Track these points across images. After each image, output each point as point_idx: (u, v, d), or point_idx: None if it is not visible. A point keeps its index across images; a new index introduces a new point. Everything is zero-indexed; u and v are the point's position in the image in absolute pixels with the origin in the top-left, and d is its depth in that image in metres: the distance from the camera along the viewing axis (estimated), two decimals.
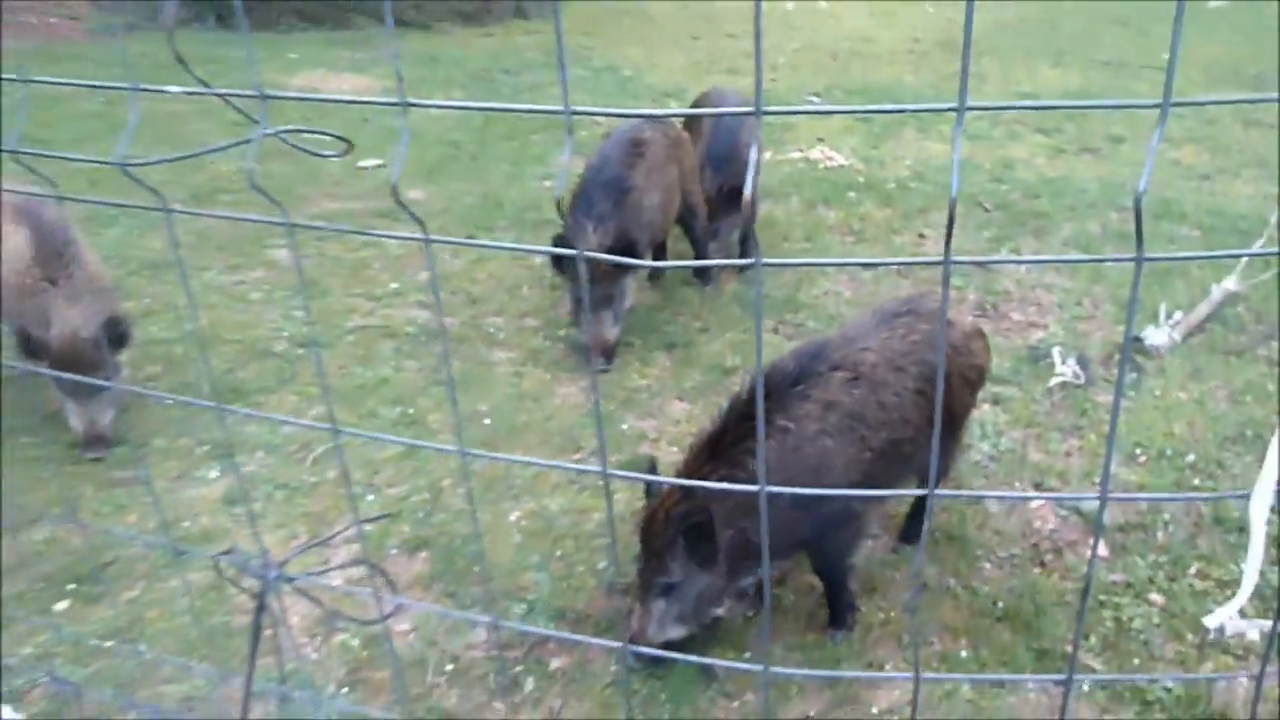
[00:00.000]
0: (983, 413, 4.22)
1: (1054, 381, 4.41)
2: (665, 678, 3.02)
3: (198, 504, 3.70)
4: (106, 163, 1.07)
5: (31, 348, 4.14)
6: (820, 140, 7.91)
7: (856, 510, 3.05)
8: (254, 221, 1.28)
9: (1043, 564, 3.41)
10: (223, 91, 1.08)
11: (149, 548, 3.43)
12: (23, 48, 11.13)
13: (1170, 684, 2.87)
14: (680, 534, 2.79)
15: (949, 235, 0.86)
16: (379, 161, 7.52)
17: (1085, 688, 2.90)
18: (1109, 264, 5.54)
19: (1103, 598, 3.22)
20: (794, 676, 2.94)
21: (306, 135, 1.20)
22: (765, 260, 0.95)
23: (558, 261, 4.72)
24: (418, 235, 1.14)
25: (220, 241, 5.92)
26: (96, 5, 12.24)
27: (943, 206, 6.52)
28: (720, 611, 3.02)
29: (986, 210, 6.51)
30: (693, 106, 5.59)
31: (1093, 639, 3.07)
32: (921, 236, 6.11)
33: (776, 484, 2.84)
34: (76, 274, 3.99)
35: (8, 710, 1.60)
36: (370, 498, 3.75)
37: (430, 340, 4.88)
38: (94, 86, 1.20)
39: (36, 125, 8.07)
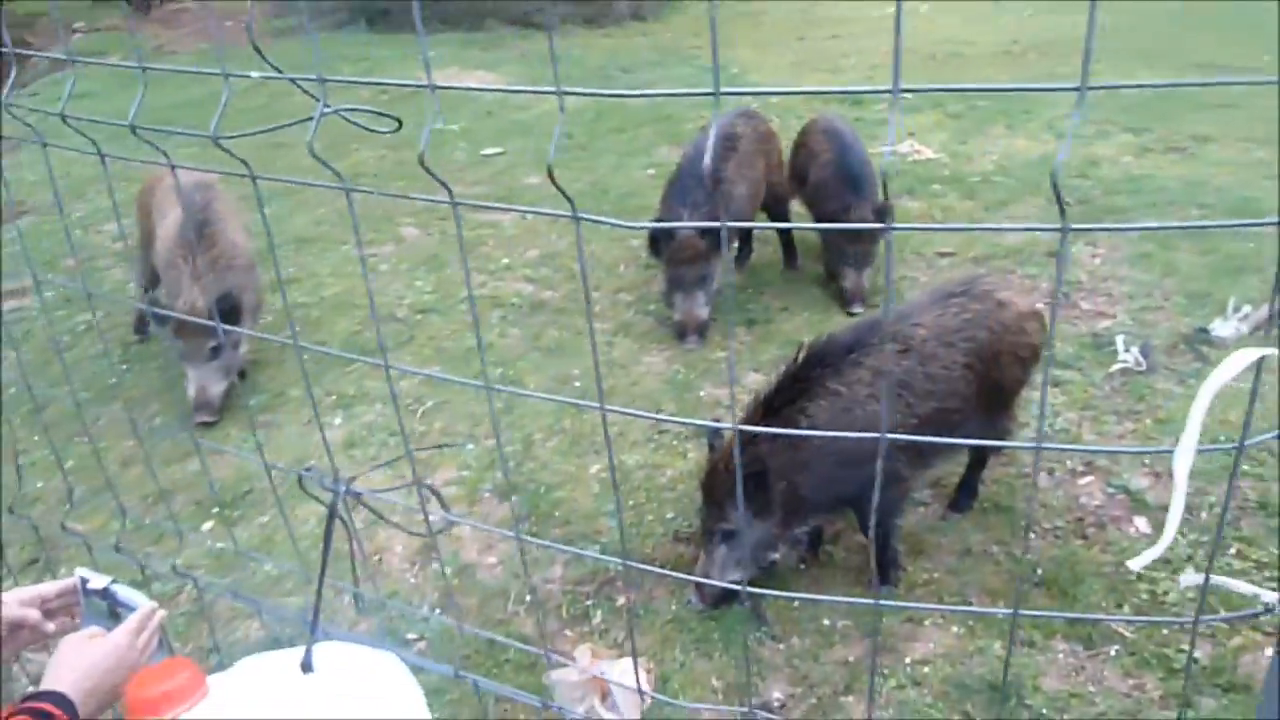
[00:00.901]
0: (1039, 395, 4.12)
1: (1115, 367, 4.28)
2: (720, 619, 3.09)
3: (322, 446, 3.94)
4: (197, 134, 1.20)
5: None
6: (910, 134, 7.75)
7: (903, 474, 3.06)
8: (421, 200, 1.39)
9: (1085, 537, 3.34)
10: (288, 76, 1.18)
11: (280, 479, 3.66)
12: (201, 47, 11.79)
13: (1198, 655, 2.80)
14: (746, 482, 2.85)
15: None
16: (500, 149, 7.72)
17: (1113, 652, 2.86)
18: (1182, 259, 5.32)
19: (1141, 571, 3.15)
20: (903, 609, 3.02)
21: (366, 114, 1.29)
22: (895, 226, 0.98)
23: (653, 245, 4.76)
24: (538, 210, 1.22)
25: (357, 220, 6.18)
26: (273, 6, 12.85)
27: (1023, 200, 6.35)
28: (775, 556, 3.10)
29: (1067, 204, 6.29)
30: (802, 136, 5.46)
31: (1126, 608, 3.01)
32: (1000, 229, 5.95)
33: (827, 441, 2.92)
34: (208, 252, 4.21)
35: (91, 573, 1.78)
36: (470, 447, 3.92)
37: (532, 310, 5.03)
38: (192, 72, 1.32)
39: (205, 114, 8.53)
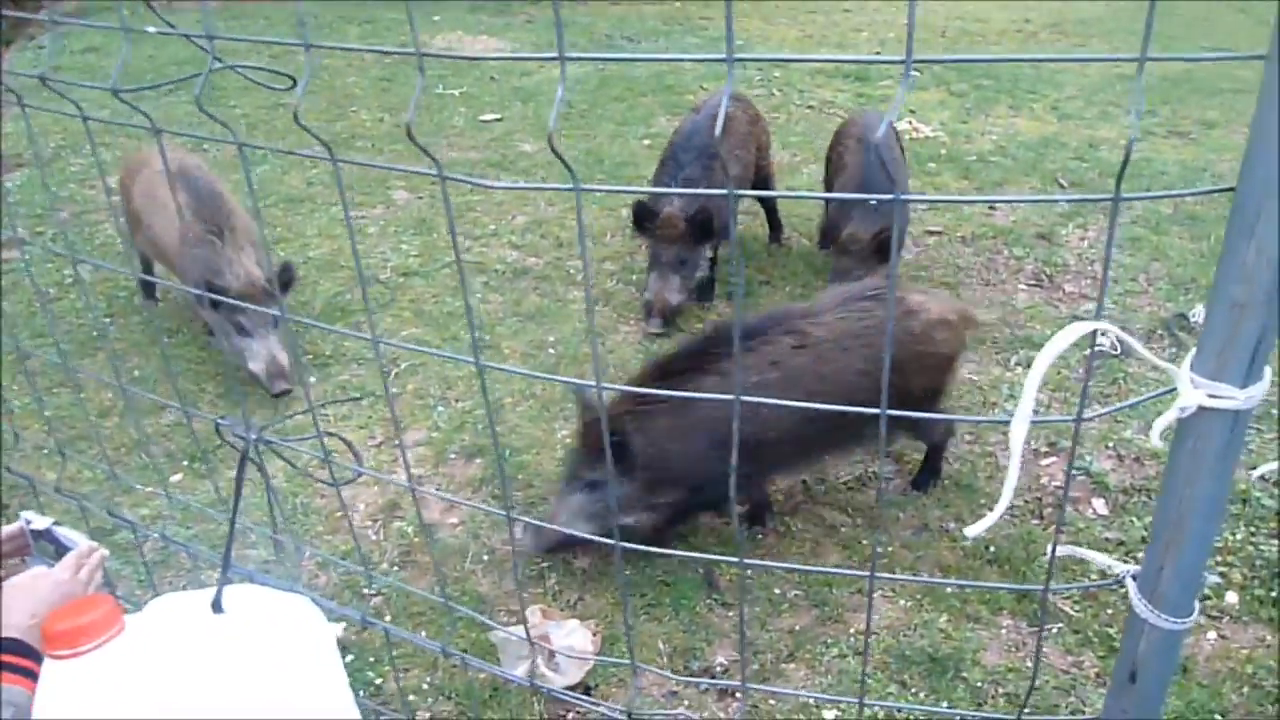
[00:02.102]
0: (1014, 374, 4.14)
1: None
2: (672, 584, 3.14)
3: (295, 404, 3.99)
4: (98, 87, 1.22)
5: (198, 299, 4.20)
6: (912, 112, 7.70)
7: (767, 459, 3.07)
8: (409, 171, 1.41)
9: (1041, 516, 3.37)
10: (181, 32, 1.20)
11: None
12: (208, 6, 11.71)
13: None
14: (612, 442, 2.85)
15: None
16: (498, 116, 7.71)
17: (1056, 630, 2.89)
18: (1172, 244, 5.30)
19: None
20: (771, 569, 3.05)
21: (263, 71, 1.31)
22: (903, 196, 1.00)
23: (638, 221, 4.59)
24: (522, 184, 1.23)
25: (349, 181, 6.22)
26: None
27: (1019, 180, 6.32)
28: (629, 521, 3.04)
29: (1062, 186, 6.27)
30: (838, 135, 5.03)
31: (1074, 590, 3.04)
32: (992, 209, 5.93)
33: (710, 421, 2.91)
34: (236, 225, 4.17)
35: (35, 515, 1.83)
36: (440, 409, 3.97)
37: (515, 276, 5.06)
38: (94, 26, 1.34)
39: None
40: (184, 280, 4.14)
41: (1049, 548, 1.21)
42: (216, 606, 1.51)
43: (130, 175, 4.53)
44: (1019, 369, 4.20)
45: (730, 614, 3.04)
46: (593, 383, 1.18)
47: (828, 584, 3.11)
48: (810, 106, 7.94)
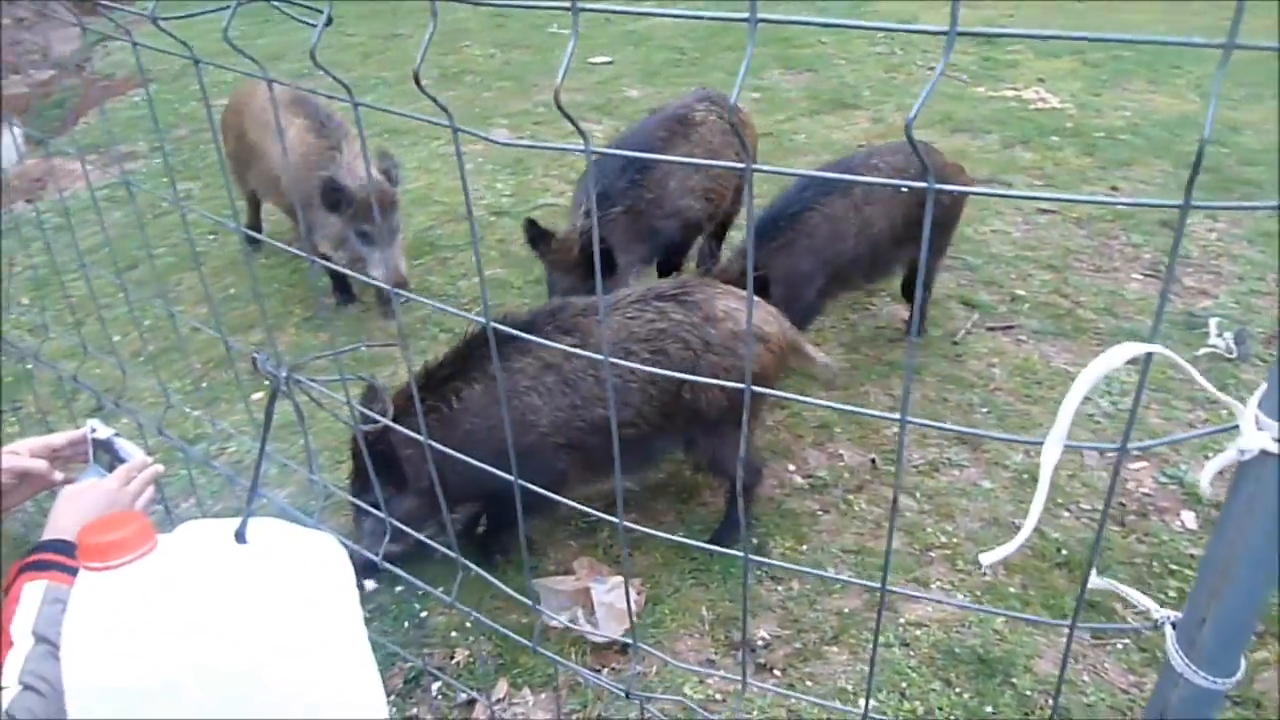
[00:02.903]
0: (1113, 370, 3.89)
1: (1202, 351, 4.00)
2: (722, 552, 3.09)
3: (377, 333, 4.06)
4: (137, 13, 1.20)
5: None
6: (1040, 80, 7.29)
7: (559, 471, 2.83)
8: (420, 120, 1.37)
9: (1123, 523, 3.17)
10: None
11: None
12: None
13: None
14: (375, 460, 2.53)
15: None
16: (609, 59, 7.60)
17: (1121, 645, 2.73)
18: None
19: (1174, 567, 2.98)
20: (772, 566, 2.94)
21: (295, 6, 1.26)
22: (757, 167, 0.92)
23: (532, 241, 3.71)
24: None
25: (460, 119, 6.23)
26: None
27: (1148, 162, 5.91)
28: (424, 536, 2.87)
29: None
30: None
31: (1105, 630, 2.86)
32: (1114, 189, 5.57)
33: (478, 427, 2.69)
34: (354, 140, 4.21)
35: (100, 425, 1.88)
36: None
37: None
38: None
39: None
40: (302, 198, 4.12)
41: (1084, 577, 1.10)
42: (240, 537, 1.53)
43: (239, 108, 4.52)
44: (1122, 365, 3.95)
45: (779, 587, 2.97)
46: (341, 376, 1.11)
47: (881, 567, 3.00)
48: (931, 68, 7.59)
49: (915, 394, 3.79)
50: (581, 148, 0.97)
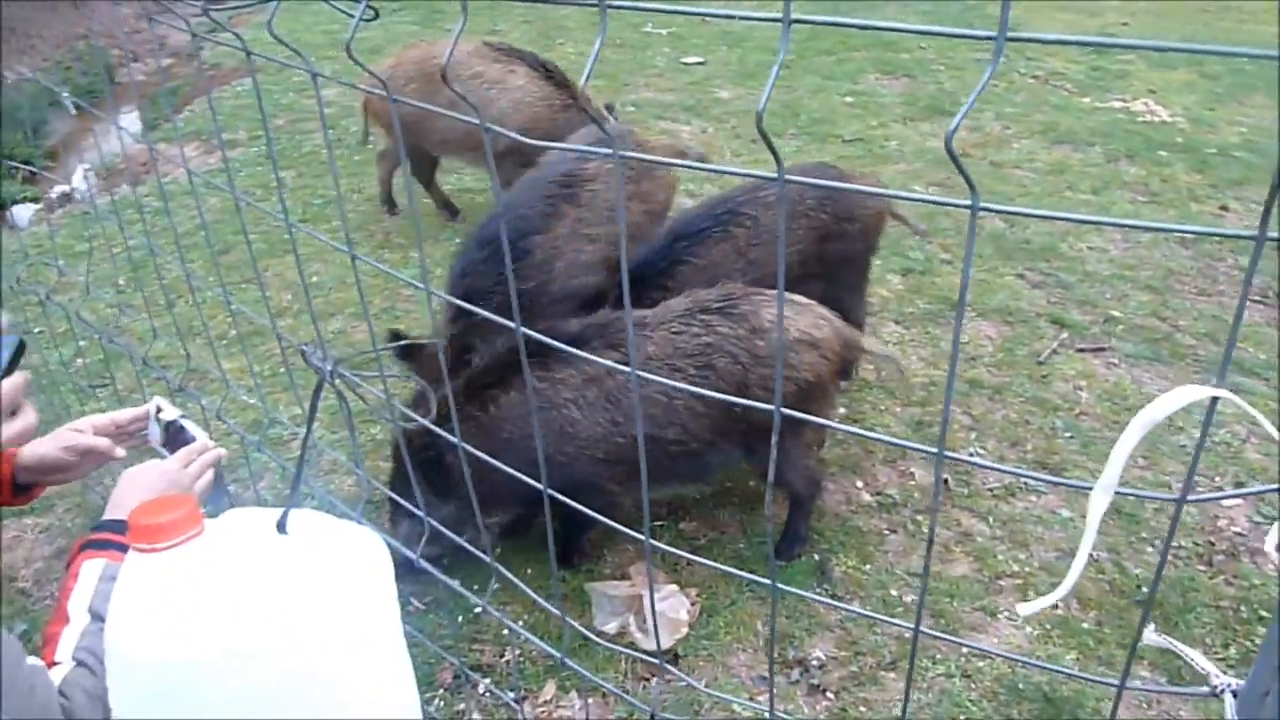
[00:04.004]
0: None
1: None
2: (784, 566, 3.02)
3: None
4: (196, 4, 1.21)
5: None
6: (1151, 92, 6.96)
7: (608, 488, 2.76)
8: (455, 118, 1.37)
9: (1210, 563, 2.99)
10: None
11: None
12: None
13: None
14: (417, 465, 2.49)
15: None
16: (701, 59, 7.55)
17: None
18: None
19: (1264, 613, 2.79)
20: (804, 597, 2.85)
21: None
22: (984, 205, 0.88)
23: (402, 356, 3.11)
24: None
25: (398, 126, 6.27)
26: None
27: (1264, 181, 5.58)
28: (463, 540, 2.80)
29: None
30: None
31: (1232, 650, 2.69)
32: (1223, 209, 5.28)
33: (516, 437, 2.63)
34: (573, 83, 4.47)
35: (166, 405, 1.92)
36: None
37: None
38: None
39: None
40: (544, 135, 4.30)
41: (1136, 634, 1.02)
42: (280, 528, 1.54)
43: (423, 70, 4.49)
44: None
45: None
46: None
47: (950, 595, 2.89)
48: (1035, 77, 7.33)
49: (996, 415, 3.65)
50: (609, 151, 0.93)
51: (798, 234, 3.36)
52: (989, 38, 0.71)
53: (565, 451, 2.67)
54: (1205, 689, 0.98)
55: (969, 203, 0.77)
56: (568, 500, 1.36)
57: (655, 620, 1.39)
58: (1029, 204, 5.27)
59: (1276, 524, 0.79)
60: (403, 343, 2.98)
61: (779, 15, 0.77)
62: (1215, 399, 0.79)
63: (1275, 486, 0.86)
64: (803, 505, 3.04)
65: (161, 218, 4.91)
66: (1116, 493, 0.87)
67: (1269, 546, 0.84)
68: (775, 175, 0.84)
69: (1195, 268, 4.65)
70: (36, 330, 3.88)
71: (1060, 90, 6.98)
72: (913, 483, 3.33)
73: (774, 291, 2.93)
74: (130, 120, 7.01)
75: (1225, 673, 1.05)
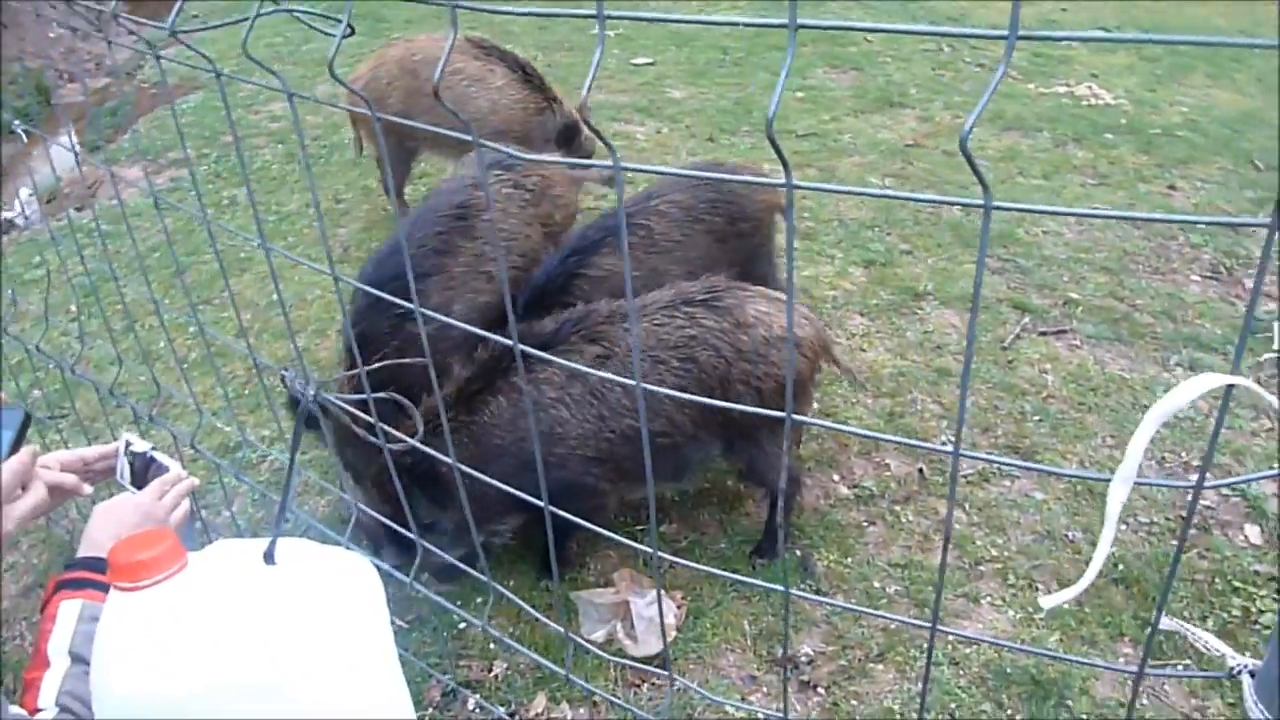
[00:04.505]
0: (1172, 376, 3.76)
1: (1265, 357, 3.84)
2: (766, 565, 3.01)
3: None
4: (158, 26, 1.17)
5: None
6: (1094, 76, 7.09)
7: (598, 487, 2.76)
8: (441, 133, 1.33)
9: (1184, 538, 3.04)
10: None
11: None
12: None
13: None
14: (413, 481, 2.53)
15: None
16: (651, 60, 7.55)
17: (1182, 667, 2.61)
18: None
19: (1238, 585, 2.85)
20: (806, 599, 2.86)
21: (316, 16, 1.22)
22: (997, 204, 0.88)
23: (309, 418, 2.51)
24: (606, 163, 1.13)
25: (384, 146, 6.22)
26: None
27: (1208, 160, 5.72)
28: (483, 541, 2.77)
29: (1258, 169, 5.64)
30: None
31: (1210, 622, 2.74)
32: (1171, 189, 5.39)
33: (508, 441, 2.62)
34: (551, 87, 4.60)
35: (135, 438, 1.86)
36: None
37: None
38: None
39: (382, 7, 8.72)
40: (519, 135, 4.42)
41: (1154, 621, 1.02)
42: (269, 558, 1.50)
43: (406, 67, 4.53)
44: (1179, 370, 3.81)
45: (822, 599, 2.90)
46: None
47: (931, 583, 2.91)
48: (981, 65, 7.43)
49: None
50: (609, 164, 0.91)
51: (695, 239, 3.37)
52: (1000, 36, 0.70)
53: (555, 453, 2.64)
54: (1221, 673, 0.98)
55: (982, 202, 0.76)
56: (557, 507, 1.34)
57: (661, 618, 1.38)
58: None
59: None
60: (386, 363, 2.86)
61: (785, 21, 0.76)
62: (1231, 386, 0.80)
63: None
64: (785, 504, 3.03)
65: (113, 241, 4.79)
66: (1136, 483, 0.87)
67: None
68: (783, 182, 0.82)
69: (1149, 248, 4.74)
70: None
71: (1006, 78, 7.08)
72: (889, 473, 3.35)
73: (757, 286, 2.93)
74: (69, 142, 6.83)
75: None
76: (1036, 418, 3.57)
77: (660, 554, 1.18)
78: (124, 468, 1.94)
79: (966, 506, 3.19)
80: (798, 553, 3.05)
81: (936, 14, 8.83)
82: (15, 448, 1.41)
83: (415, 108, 4.48)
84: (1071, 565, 2.96)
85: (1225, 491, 3.21)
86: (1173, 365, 3.84)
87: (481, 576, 1.46)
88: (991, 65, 7.32)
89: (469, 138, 0.95)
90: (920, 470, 3.36)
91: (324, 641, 1.51)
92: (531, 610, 1.52)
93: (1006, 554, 3.02)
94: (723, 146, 5.95)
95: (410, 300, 2.50)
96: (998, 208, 0.76)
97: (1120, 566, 2.93)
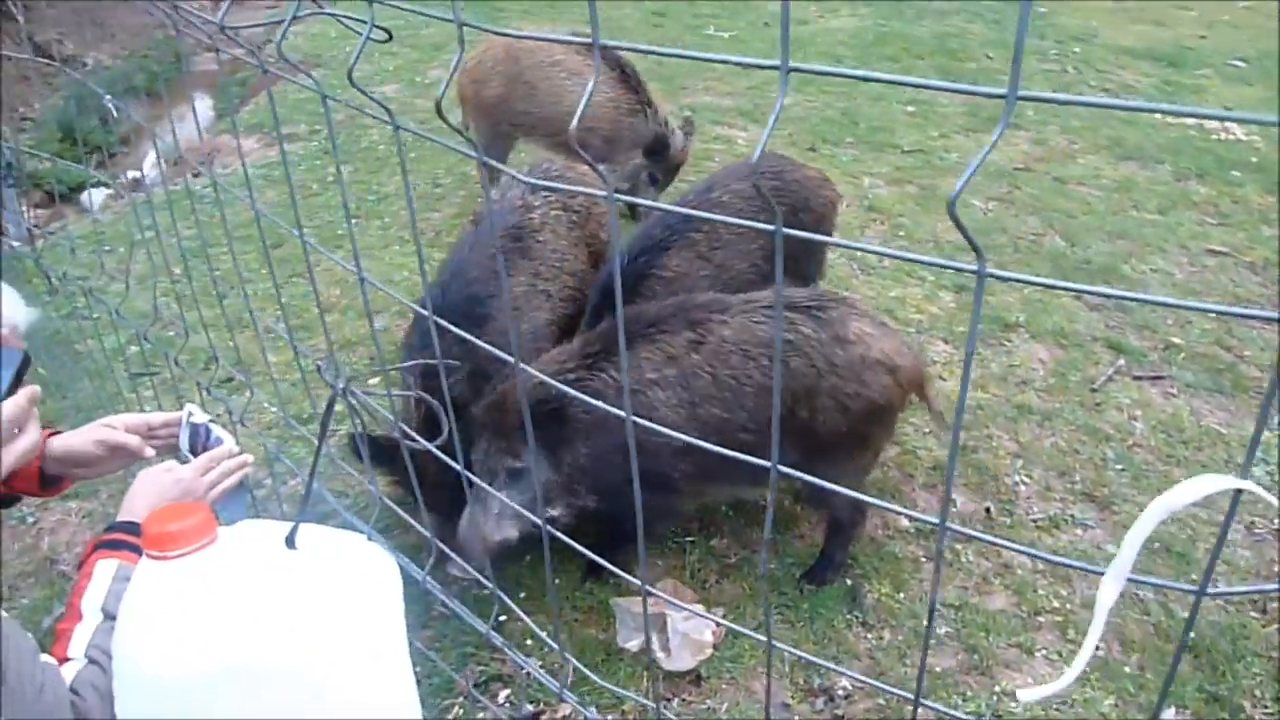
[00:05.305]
0: (1276, 435, 3.53)
1: None
2: (817, 591, 2.95)
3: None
4: (207, 20, 1.20)
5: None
6: (1226, 108, 6.70)
7: (676, 484, 2.70)
8: (446, 146, 1.34)
9: (1264, 610, 2.85)
10: None
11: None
12: None
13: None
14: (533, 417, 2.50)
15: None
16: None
17: None
18: None
19: None
20: (792, 653, 2.79)
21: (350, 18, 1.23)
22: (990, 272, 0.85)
23: (376, 458, 2.50)
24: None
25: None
26: None
27: None
28: (554, 513, 2.68)
29: None
30: None
31: (1266, 695, 2.56)
32: None
33: (610, 420, 2.45)
34: (650, 92, 4.68)
35: (197, 410, 1.92)
36: None
37: None
38: None
39: None
40: (608, 136, 4.56)
41: (1157, 709, 0.95)
42: (290, 542, 1.53)
43: (513, 55, 4.67)
44: None
45: (868, 635, 2.82)
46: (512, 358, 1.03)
47: (986, 629, 2.80)
48: (1105, 89, 7.11)
49: (1045, 442, 3.53)
50: (602, 192, 0.89)
51: (755, 233, 3.29)
52: (999, 96, 0.65)
53: (649, 443, 2.64)
54: None
55: (975, 267, 0.71)
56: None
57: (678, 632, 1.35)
58: (1092, 222, 5.11)
59: None
60: (416, 363, 2.86)
61: (778, 63, 0.73)
62: (1239, 491, 0.73)
63: None
64: (843, 531, 2.97)
65: (216, 209, 4.98)
66: (1129, 579, 0.80)
67: None
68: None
69: (1264, 295, 4.46)
70: (94, 316, 3.97)
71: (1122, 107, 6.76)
72: (954, 509, 3.24)
73: (864, 308, 2.88)
74: (202, 109, 7.16)
75: None
76: (1119, 466, 3.40)
77: (777, 643, 1.15)
78: (185, 438, 2.01)
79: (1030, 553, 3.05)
80: (849, 582, 2.98)
81: (1064, 31, 8.48)
82: (14, 389, 1.46)
83: (513, 93, 4.57)
84: (1137, 626, 2.81)
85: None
86: (1276, 425, 3.60)
87: (488, 583, 1.46)
88: (1115, 90, 7.01)
89: (603, 190, 0.94)
90: (987, 509, 3.24)
91: (337, 626, 1.54)
92: (533, 626, 1.51)
93: (1069, 606, 2.88)
94: (823, 156, 5.84)
95: (474, 325, 2.47)
96: (991, 275, 0.71)
97: (1192, 634, 2.76)
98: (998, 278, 0.72)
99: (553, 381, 1.21)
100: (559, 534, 1.32)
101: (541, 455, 2.61)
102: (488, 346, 1.27)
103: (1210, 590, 0.78)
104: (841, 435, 2.70)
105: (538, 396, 2.52)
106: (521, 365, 1.12)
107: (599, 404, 1.13)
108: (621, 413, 1.01)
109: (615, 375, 2.66)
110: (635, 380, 2.64)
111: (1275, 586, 0.78)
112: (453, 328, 1.40)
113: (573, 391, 1.21)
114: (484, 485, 1.55)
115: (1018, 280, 0.73)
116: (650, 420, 2.60)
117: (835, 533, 2.99)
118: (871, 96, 6.85)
